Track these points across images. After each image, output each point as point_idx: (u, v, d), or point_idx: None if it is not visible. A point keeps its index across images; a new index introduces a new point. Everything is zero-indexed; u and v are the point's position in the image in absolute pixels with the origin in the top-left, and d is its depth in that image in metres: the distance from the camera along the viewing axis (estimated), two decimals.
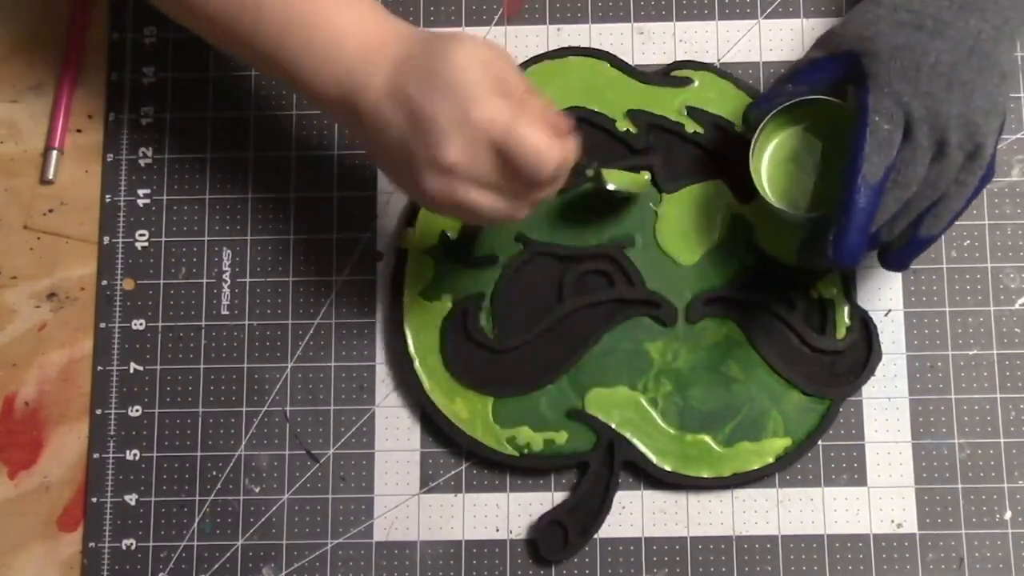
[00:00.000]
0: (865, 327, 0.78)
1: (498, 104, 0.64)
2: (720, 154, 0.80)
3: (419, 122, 0.65)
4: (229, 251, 0.82)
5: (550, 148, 0.65)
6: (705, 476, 0.77)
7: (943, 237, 0.79)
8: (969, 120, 0.68)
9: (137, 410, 0.80)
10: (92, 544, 0.79)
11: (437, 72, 0.65)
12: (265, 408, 0.80)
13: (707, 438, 0.78)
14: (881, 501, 0.77)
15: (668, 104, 0.81)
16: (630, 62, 0.82)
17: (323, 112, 0.71)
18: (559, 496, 0.78)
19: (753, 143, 0.75)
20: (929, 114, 0.68)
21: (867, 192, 0.68)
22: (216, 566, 0.78)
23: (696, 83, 0.82)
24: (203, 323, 0.81)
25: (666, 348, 0.79)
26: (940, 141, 0.69)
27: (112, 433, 0.80)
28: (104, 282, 0.82)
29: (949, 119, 0.68)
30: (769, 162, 0.76)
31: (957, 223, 0.79)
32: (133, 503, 0.79)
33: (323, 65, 0.67)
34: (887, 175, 0.69)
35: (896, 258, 0.72)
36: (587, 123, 0.81)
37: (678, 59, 0.83)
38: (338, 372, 0.80)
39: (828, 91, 0.74)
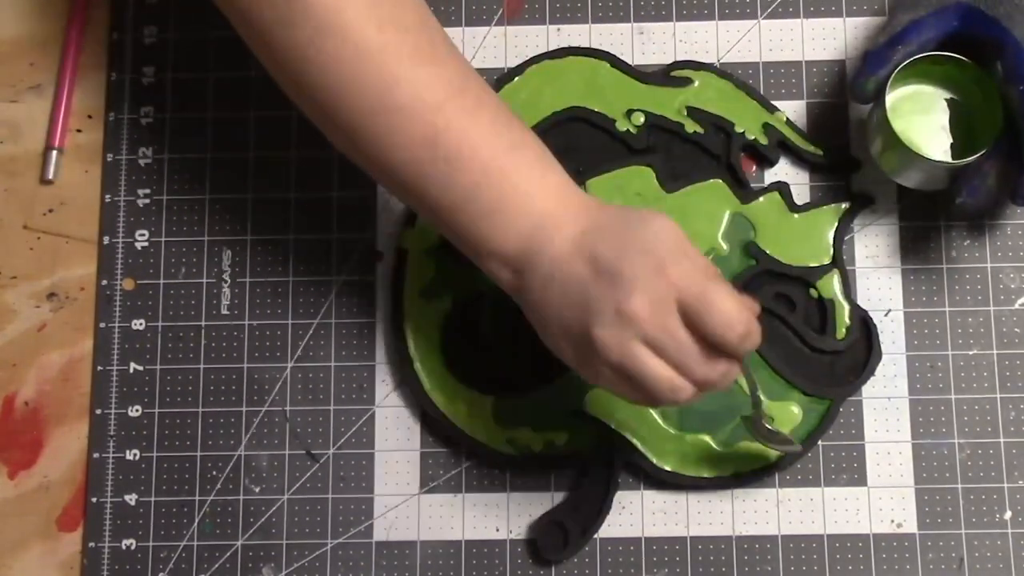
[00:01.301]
0: (865, 327, 0.78)
1: (692, 267, 0.64)
2: (720, 154, 0.81)
3: (607, 273, 0.64)
4: (229, 251, 0.82)
5: (740, 313, 0.64)
6: (705, 476, 0.77)
7: (942, 237, 0.80)
8: None
9: (137, 410, 0.80)
10: (92, 544, 0.79)
11: (632, 235, 0.64)
12: (265, 408, 0.80)
13: (707, 438, 0.78)
14: (881, 501, 0.77)
15: (668, 104, 0.81)
16: (630, 62, 0.82)
17: (481, 264, 0.68)
18: (559, 496, 0.78)
19: (873, 107, 0.75)
20: None
21: None
22: (216, 566, 0.78)
23: (696, 83, 0.82)
24: (203, 323, 0.81)
25: None
26: None
27: (112, 433, 0.80)
28: (104, 282, 0.82)
29: None
30: (895, 119, 0.75)
31: (957, 223, 0.80)
32: (133, 503, 0.79)
33: (508, 221, 0.66)
34: None
35: None
36: (587, 123, 0.81)
37: (678, 59, 0.83)
38: (338, 372, 0.80)
39: (934, 48, 0.74)
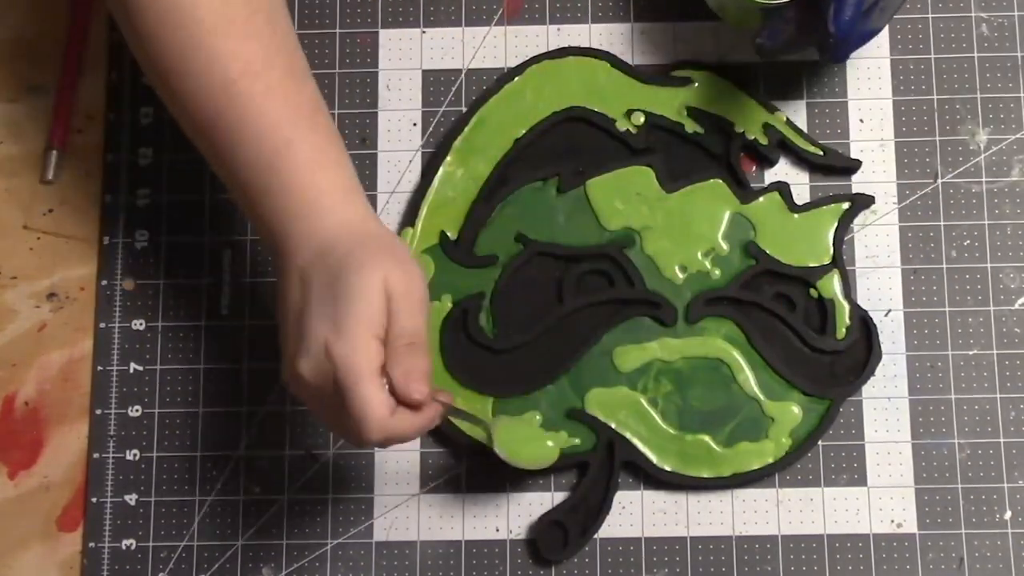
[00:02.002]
0: (865, 327, 0.78)
1: (366, 348, 0.63)
2: (720, 154, 0.81)
3: (300, 322, 0.65)
4: (229, 251, 0.82)
5: (379, 424, 0.63)
6: (705, 476, 0.77)
7: (942, 237, 0.80)
8: None
9: (137, 410, 0.80)
10: (92, 544, 0.79)
11: (338, 284, 0.64)
12: (265, 408, 0.80)
13: (707, 438, 0.78)
14: (881, 501, 0.77)
15: (668, 104, 0.81)
16: (630, 62, 0.82)
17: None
18: (559, 496, 0.78)
19: None
20: None
21: None
22: (216, 566, 0.78)
23: (696, 83, 0.82)
24: (203, 323, 0.81)
25: (666, 348, 0.78)
26: None
27: (112, 433, 0.80)
28: (104, 282, 0.82)
29: None
30: None
31: (956, 222, 0.80)
32: (133, 503, 0.79)
33: (273, 210, 0.67)
34: None
35: (843, 51, 0.75)
36: (587, 123, 0.81)
37: (678, 59, 0.83)
38: None
39: None
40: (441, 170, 0.81)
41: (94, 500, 0.79)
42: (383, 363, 0.64)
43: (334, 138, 0.69)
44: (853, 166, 0.81)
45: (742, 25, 0.78)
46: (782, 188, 0.80)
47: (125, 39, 0.70)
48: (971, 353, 0.79)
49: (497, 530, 0.78)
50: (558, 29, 0.84)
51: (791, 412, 0.78)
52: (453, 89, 0.83)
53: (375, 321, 0.64)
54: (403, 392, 0.64)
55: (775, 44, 0.76)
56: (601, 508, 0.77)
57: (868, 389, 0.78)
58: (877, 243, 0.80)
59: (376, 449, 0.65)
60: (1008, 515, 0.77)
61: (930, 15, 0.82)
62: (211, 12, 0.66)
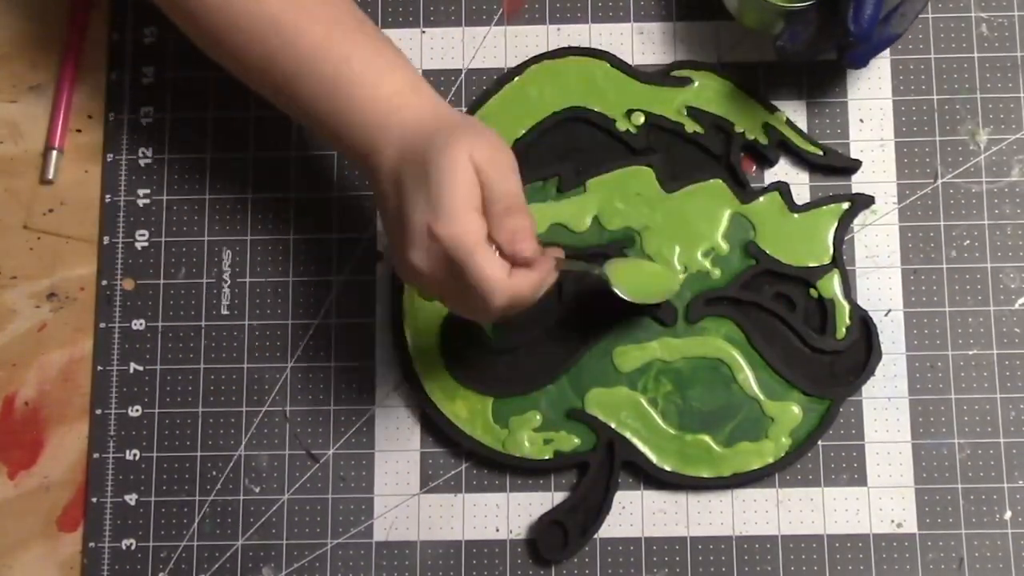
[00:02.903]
0: (865, 327, 0.78)
1: (468, 221, 0.65)
2: (720, 154, 0.81)
3: (401, 217, 0.67)
4: (229, 251, 0.82)
5: (500, 285, 0.65)
6: (705, 476, 0.77)
7: (942, 237, 0.80)
8: None
9: (137, 410, 0.80)
10: (92, 544, 0.79)
11: (427, 171, 0.66)
12: (265, 408, 0.80)
13: (707, 438, 0.78)
14: (881, 501, 0.77)
15: (668, 104, 0.81)
16: (630, 62, 0.82)
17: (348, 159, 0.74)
18: (559, 496, 0.78)
19: None
20: None
21: None
22: (216, 566, 0.78)
23: (696, 83, 0.82)
24: (203, 323, 0.81)
25: (666, 348, 0.79)
26: None
27: (112, 433, 0.80)
28: (104, 282, 0.82)
29: None
30: None
31: (956, 222, 0.80)
32: (133, 503, 0.79)
33: (350, 126, 0.69)
34: None
35: (862, 55, 0.76)
36: (587, 123, 0.81)
37: (678, 59, 0.83)
38: (338, 372, 0.80)
39: None
40: None
41: (94, 500, 0.79)
42: (488, 231, 0.66)
43: (385, 42, 0.71)
44: (853, 166, 0.81)
45: (762, 28, 0.79)
46: (782, 188, 0.80)
47: (178, 23, 0.72)
48: (971, 353, 0.79)
49: (497, 530, 0.78)
50: (558, 29, 0.84)
51: (791, 412, 0.78)
52: (453, 89, 0.83)
53: (470, 194, 0.66)
54: (512, 252, 0.66)
55: (796, 46, 0.76)
56: (601, 508, 0.77)
57: (868, 389, 0.78)
58: (877, 243, 0.80)
59: (501, 315, 0.68)
60: (1008, 515, 0.77)
61: (930, 15, 0.82)
62: None
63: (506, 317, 0.68)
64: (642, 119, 0.81)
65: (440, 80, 0.83)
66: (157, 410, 0.80)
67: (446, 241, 0.65)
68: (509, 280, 0.66)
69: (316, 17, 0.70)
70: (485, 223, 0.66)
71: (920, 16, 0.82)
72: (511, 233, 0.66)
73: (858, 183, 0.81)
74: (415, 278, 0.68)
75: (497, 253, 0.66)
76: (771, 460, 0.77)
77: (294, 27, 0.69)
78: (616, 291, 0.74)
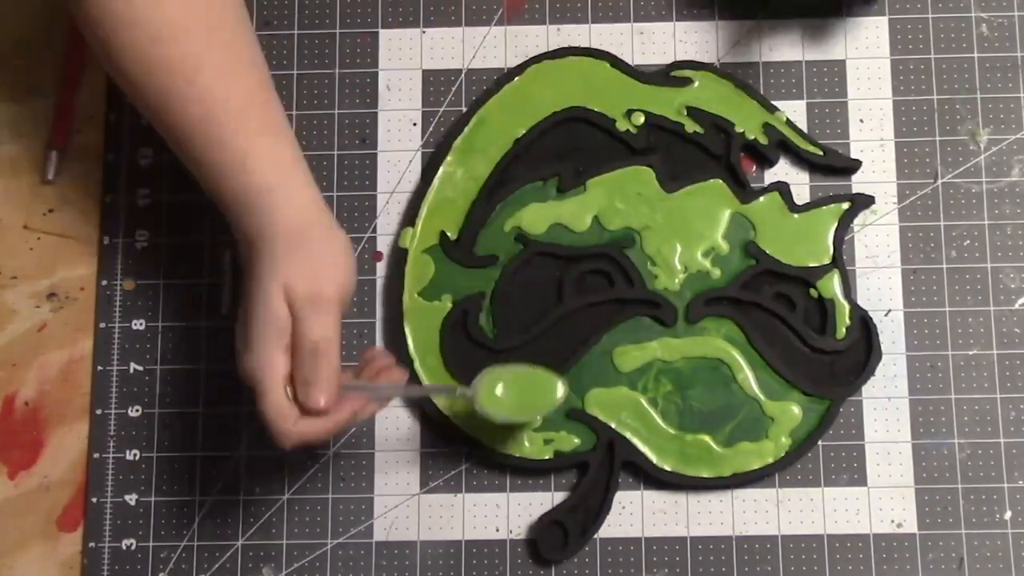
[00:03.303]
0: (865, 327, 0.78)
1: (266, 360, 0.66)
2: (720, 154, 0.81)
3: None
4: (229, 251, 0.82)
5: (285, 431, 0.66)
6: (705, 476, 0.77)
7: (942, 237, 0.80)
8: None
9: (137, 410, 0.80)
10: (92, 544, 0.79)
11: (246, 294, 0.67)
12: None
13: (707, 438, 0.78)
14: (881, 501, 0.77)
15: (668, 104, 0.81)
16: (630, 62, 0.82)
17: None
18: (559, 496, 0.78)
19: None
20: None
21: None
22: (216, 566, 0.78)
23: (696, 83, 0.82)
24: (203, 323, 0.81)
25: (666, 348, 0.79)
26: None
27: (112, 433, 0.80)
28: (104, 282, 0.82)
29: None
30: None
31: (956, 222, 0.80)
32: (133, 503, 0.79)
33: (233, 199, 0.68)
34: None
35: None
36: (587, 123, 0.81)
37: (678, 59, 0.83)
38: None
39: None
40: (441, 170, 0.81)
41: (94, 500, 0.79)
42: (289, 371, 0.66)
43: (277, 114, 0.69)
44: (853, 166, 0.81)
45: None
46: (782, 188, 0.80)
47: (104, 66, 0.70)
48: (971, 353, 0.79)
49: (497, 530, 0.78)
50: (558, 29, 0.84)
51: (791, 412, 0.78)
52: (453, 89, 0.83)
53: (275, 333, 0.65)
54: (303, 401, 0.66)
55: None
56: (601, 508, 0.77)
57: (868, 389, 0.78)
58: (877, 243, 0.80)
59: (293, 449, 0.68)
60: (1008, 515, 0.77)
61: (930, 15, 0.82)
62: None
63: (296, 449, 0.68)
64: (642, 119, 0.81)
65: (440, 80, 0.83)
66: (157, 410, 0.80)
67: (245, 373, 0.66)
68: (294, 427, 0.66)
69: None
70: (287, 362, 0.65)
71: (920, 16, 0.82)
72: (306, 381, 0.65)
73: (858, 183, 0.81)
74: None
75: (291, 395, 0.66)
76: (771, 460, 0.77)
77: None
78: (484, 413, 0.72)
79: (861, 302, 0.79)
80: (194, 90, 0.66)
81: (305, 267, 0.66)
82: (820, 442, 0.78)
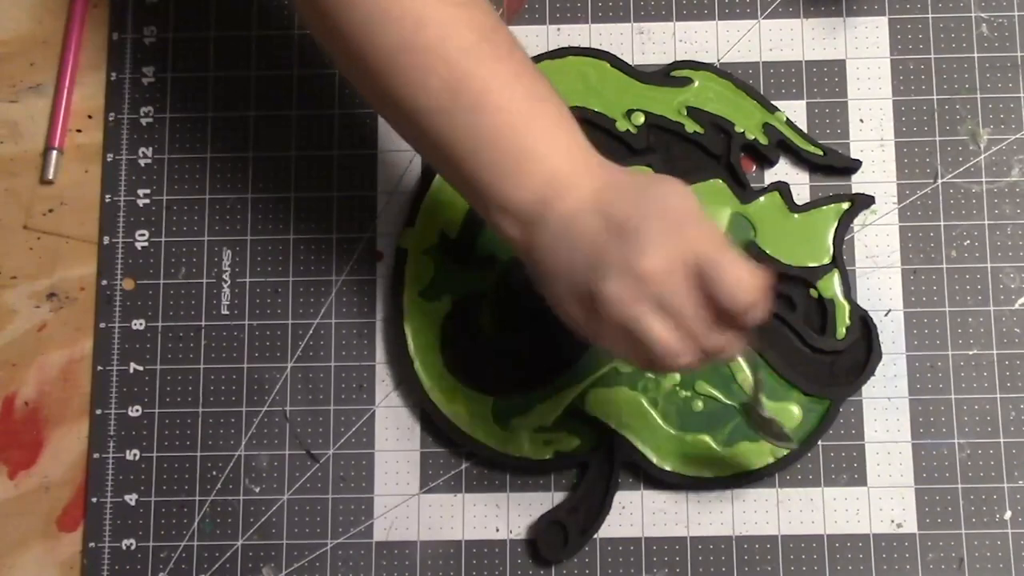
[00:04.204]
0: (865, 327, 0.78)
1: (707, 232, 0.63)
2: (720, 154, 0.81)
3: (622, 230, 0.62)
4: (229, 251, 0.82)
5: (751, 280, 0.62)
6: (705, 476, 0.77)
7: (942, 237, 0.80)
8: None
9: (137, 410, 0.80)
10: (92, 544, 0.79)
11: (649, 196, 0.63)
12: (265, 408, 0.80)
13: (707, 438, 0.78)
14: (881, 501, 0.77)
15: (668, 104, 0.81)
16: (630, 62, 0.82)
17: (491, 220, 0.66)
18: (559, 496, 0.78)
19: None
20: None
21: None
22: (216, 566, 0.78)
23: (696, 83, 0.82)
24: (203, 323, 0.81)
25: None
26: None
27: (112, 433, 0.80)
28: (104, 282, 0.82)
29: None
30: None
31: (956, 222, 0.80)
32: (133, 503, 0.79)
33: (521, 174, 0.64)
34: None
35: None
36: (587, 123, 0.81)
37: (678, 59, 0.83)
38: (338, 372, 0.80)
39: None
40: None
41: (94, 500, 0.79)
42: None
43: (551, 87, 0.67)
44: (853, 166, 0.81)
45: None
46: (782, 188, 0.80)
47: (333, 55, 0.69)
48: (971, 353, 0.79)
49: (497, 530, 0.78)
50: (558, 29, 0.84)
51: (791, 412, 0.78)
52: None
53: (702, 211, 0.64)
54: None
55: None
56: (601, 508, 0.77)
57: (868, 389, 0.78)
58: (877, 243, 0.80)
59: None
60: (1008, 515, 0.77)
61: (930, 15, 0.82)
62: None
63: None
64: (642, 119, 0.81)
65: None
66: (157, 410, 0.80)
67: (695, 241, 0.62)
68: (759, 280, 0.63)
69: (511, 91, 0.65)
70: None
71: (920, 16, 0.82)
72: (740, 256, 0.63)
73: (858, 183, 0.81)
74: (631, 288, 0.62)
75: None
76: (771, 460, 0.77)
77: (491, 99, 0.64)
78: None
79: (861, 302, 0.79)
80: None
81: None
82: (820, 442, 0.78)
